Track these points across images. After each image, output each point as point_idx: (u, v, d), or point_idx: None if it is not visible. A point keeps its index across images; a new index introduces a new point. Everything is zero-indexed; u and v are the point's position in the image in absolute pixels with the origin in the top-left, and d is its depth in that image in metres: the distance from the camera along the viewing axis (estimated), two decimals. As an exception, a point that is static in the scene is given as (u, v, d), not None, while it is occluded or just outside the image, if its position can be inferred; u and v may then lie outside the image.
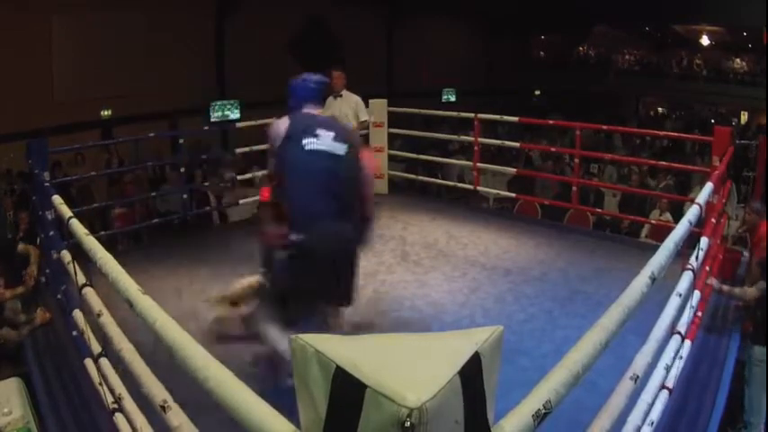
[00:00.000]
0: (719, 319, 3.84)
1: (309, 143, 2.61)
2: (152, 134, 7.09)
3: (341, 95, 5.52)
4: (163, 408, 1.73)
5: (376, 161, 4.02)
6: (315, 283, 2.63)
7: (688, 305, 2.66)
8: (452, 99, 16.66)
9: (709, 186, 3.07)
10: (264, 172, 7.23)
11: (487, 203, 8.16)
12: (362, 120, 5.63)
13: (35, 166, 4.02)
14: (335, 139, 2.64)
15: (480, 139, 6.34)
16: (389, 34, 15.77)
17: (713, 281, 3.68)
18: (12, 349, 3.77)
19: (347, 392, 0.90)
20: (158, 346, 1.48)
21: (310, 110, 2.83)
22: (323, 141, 2.62)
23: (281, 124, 2.71)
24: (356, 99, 5.58)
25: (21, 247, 4.44)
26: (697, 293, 2.83)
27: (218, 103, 11.94)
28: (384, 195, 6.72)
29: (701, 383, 3.11)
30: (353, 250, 2.78)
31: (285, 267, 2.61)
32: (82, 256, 2.29)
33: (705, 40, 18.62)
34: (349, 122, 5.31)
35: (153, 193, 7.47)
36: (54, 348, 3.67)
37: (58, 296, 3.84)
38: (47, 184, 3.91)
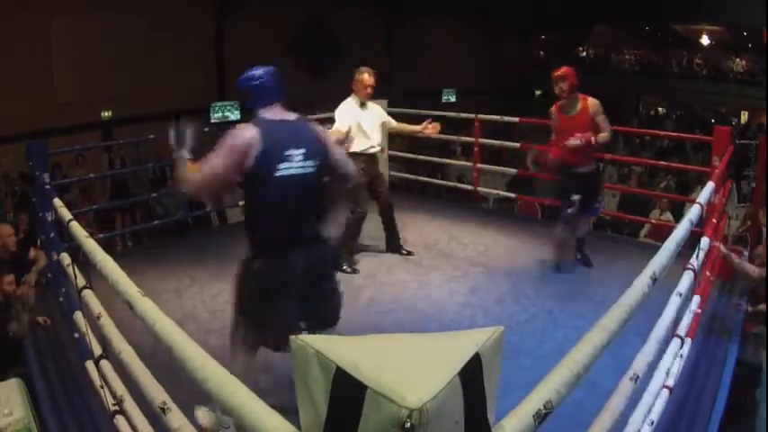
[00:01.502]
0: (719, 319, 3.84)
1: (282, 168, 2.32)
2: (152, 136, 7.08)
3: (366, 103, 4.55)
4: (162, 410, 1.73)
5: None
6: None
7: (688, 305, 2.66)
8: (452, 99, 16.65)
9: (710, 186, 3.07)
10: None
11: (487, 204, 8.15)
12: (394, 124, 4.91)
13: (35, 168, 4.02)
14: (306, 156, 2.35)
15: (480, 140, 6.34)
16: (389, 34, 15.78)
17: (723, 248, 3.67)
18: (14, 348, 3.79)
19: (347, 393, 0.90)
20: (158, 347, 1.48)
21: (277, 113, 2.44)
22: (294, 163, 2.34)
23: (247, 132, 2.33)
24: (379, 106, 4.78)
25: (32, 253, 4.47)
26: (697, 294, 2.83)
27: (219, 104, 11.94)
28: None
29: (701, 383, 3.10)
30: (331, 268, 2.63)
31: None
32: (82, 257, 2.29)
33: (705, 40, 18.66)
34: (380, 134, 4.67)
35: (154, 194, 7.47)
36: (55, 350, 3.68)
37: (60, 299, 3.84)
38: (47, 186, 3.91)
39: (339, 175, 2.60)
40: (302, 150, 2.35)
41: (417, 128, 4.85)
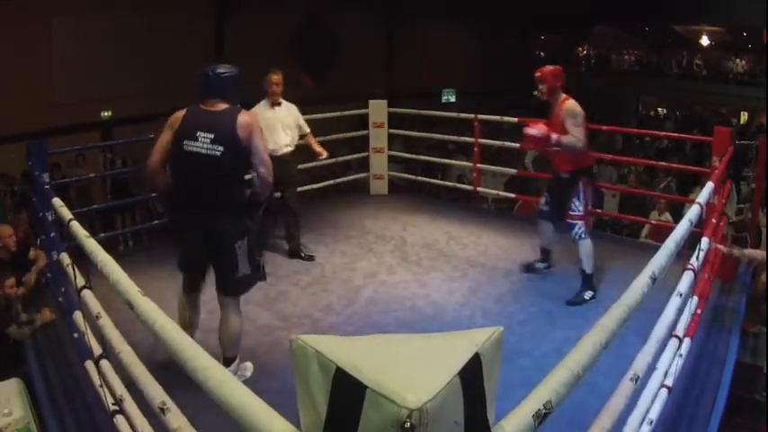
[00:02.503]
0: (719, 319, 3.84)
1: (188, 145, 2.82)
2: (152, 135, 7.08)
3: (279, 104, 4.57)
4: (162, 410, 1.73)
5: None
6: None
7: (688, 305, 2.66)
8: (452, 99, 16.65)
9: (709, 186, 3.07)
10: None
11: (487, 204, 8.16)
12: (308, 131, 4.81)
13: (35, 168, 4.02)
14: (214, 141, 2.81)
15: (480, 140, 6.34)
16: (389, 34, 15.77)
17: (721, 247, 3.59)
18: (14, 349, 3.78)
19: (347, 393, 0.91)
20: (158, 347, 1.48)
21: (206, 105, 2.88)
22: (201, 144, 2.80)
23: (178, 113, 2.91)
24: (295, 107, 4.72)
25: (32, 253, 4.48)
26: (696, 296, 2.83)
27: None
28: (384, 196, 6.72)
29: (700, 383, 3.10)
30: (228, 240, 2.96)
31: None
32: (82, 257, 2.29)
33: (705, 40, 18.66)
34: (291, 135, 4.63)
35: (154, 194, 7.45)
36: (55, 349, 3.67)
37: (59, 298, 3.84)
38: (47, 186, 3.91)
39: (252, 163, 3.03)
40: (211, 135, 2.81)
41: (315, 147, 4.83)
